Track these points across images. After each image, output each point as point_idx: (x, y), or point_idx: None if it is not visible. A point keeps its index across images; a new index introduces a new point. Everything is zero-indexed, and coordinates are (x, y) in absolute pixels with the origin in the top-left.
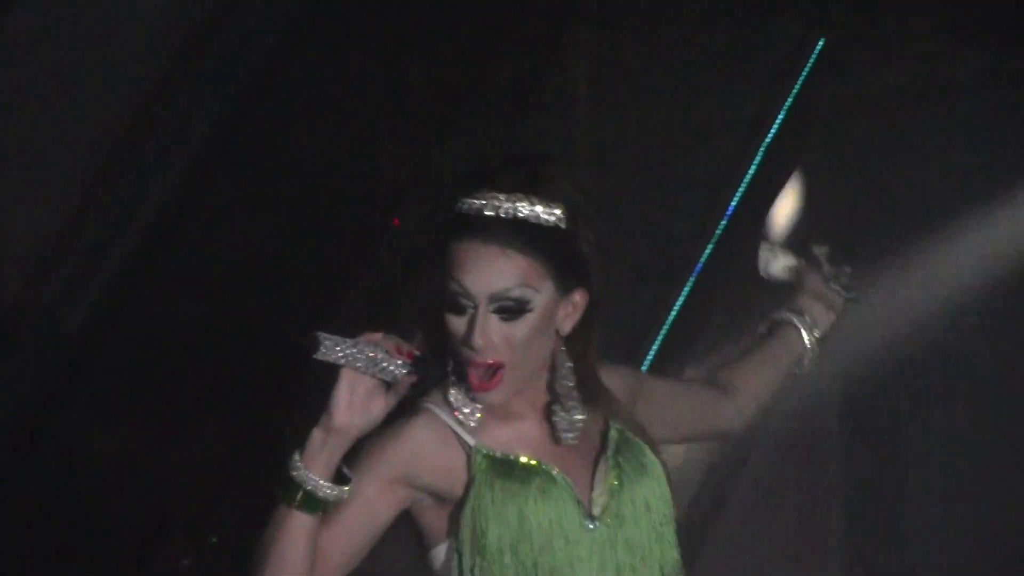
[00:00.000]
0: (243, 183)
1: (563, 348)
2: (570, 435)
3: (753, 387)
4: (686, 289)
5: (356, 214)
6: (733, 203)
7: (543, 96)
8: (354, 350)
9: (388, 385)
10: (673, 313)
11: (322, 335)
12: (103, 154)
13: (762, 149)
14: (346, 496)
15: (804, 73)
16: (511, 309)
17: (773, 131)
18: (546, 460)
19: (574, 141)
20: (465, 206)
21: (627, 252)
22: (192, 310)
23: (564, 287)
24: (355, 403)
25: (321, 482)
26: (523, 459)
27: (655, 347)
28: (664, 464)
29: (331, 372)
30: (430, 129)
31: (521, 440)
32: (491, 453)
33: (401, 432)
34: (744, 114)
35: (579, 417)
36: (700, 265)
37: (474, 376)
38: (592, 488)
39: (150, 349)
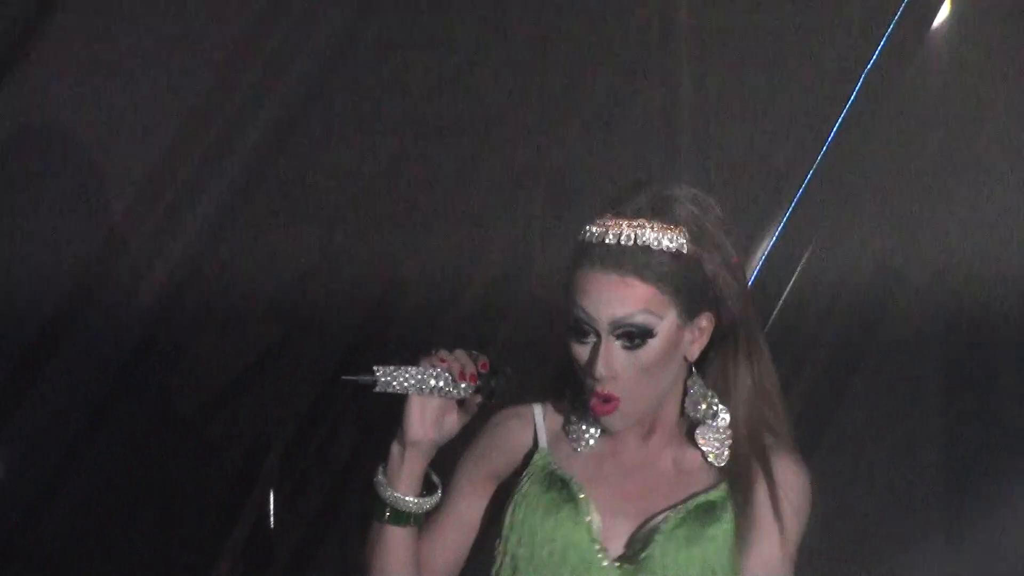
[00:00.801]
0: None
1: (695, 374)
2: (716, 453)
3: None
4: None
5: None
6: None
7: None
8: (414, 380)
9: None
10: None
11: (378, 370)
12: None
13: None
14: (434, 504)
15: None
16: (634, 336)
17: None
18: (601, 484)
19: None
20: (588, 234)
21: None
22: None
23: (689, 312)
24: (427, 419)
25: (405, 498)
26: (566, 475)
27: None
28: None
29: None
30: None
31: (596, 465)
32: (546, 460)
33: (488, 426)
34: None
35: (726, 440)
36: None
37: (592, 402)
38: (639, 530)
39: None
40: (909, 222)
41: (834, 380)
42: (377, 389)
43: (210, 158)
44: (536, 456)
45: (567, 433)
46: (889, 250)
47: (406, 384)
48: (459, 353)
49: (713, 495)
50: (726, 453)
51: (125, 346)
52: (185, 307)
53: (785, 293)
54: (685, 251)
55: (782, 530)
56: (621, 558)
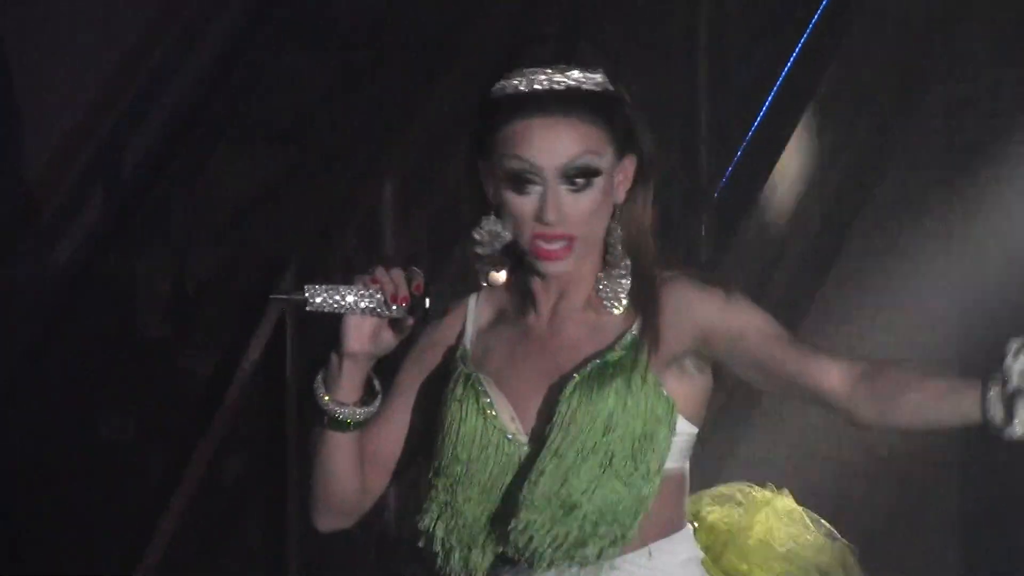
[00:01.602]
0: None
1: (615, 218)
2: (614, 304)
3: (898, 397)
4: None
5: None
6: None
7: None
8: (344, 301)
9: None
10: None
11: (308, 289)
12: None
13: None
14: (371, 413)
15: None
16: (579, 178)
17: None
18: (515, 368)
19: None
20: (508, 87)
21: None
22: None
23: (619, 152)
24: (363, 334)
25: (342, 406)
26: (466, 370)
27: None
28: (671, 404)
29: None
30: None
31: (513, 334)
32: (467, 351)
33: (431, 333)
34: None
35: (626, 286)
36: None
37: (544, 246)
38: (550, 400)
39: None
40: None
41: None
42: (308, 308)
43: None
44: (458, 353)
45: (481, 277)
46: None
47: (335, 306)
48: (395, 273)
49: (609, 355)
50: (619, 303)
51: None
52: None
53: None
54: (611, 88)
55: (778, 334)
56: (533, 437)
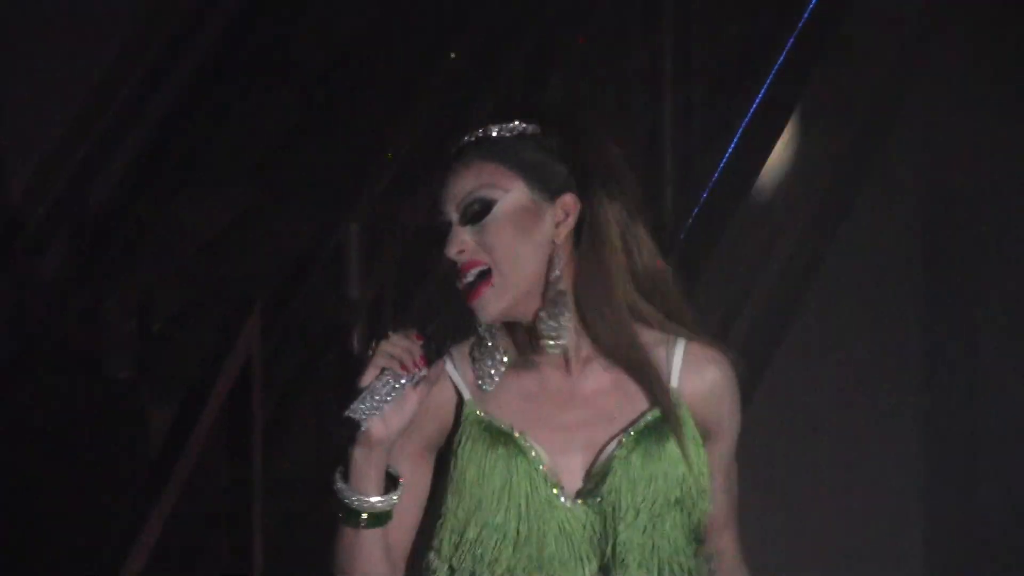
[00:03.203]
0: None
1: (556, 257)
2: (552, 342)
3: None
4: None
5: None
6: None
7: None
8: (377, 397)
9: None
10: None
11: (353, 410)
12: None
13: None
14: (401, 495)
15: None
16: (477, 211)
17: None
18: (540, 425)
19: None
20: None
21: None
22: None
23: (544, 189)
24: (387, 412)
25: (377, 500)
26: (507, 427)
27: None
28: (704, 459)
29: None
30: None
31: (528, 396)
32: (480, 415)
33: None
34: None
35: (565, 322)
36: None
37: (464, 287)
38: (594, 463)
39: None
40: None
41: None
42: (351, 415)
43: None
44: (466, 410)
45: (476, 377)
46: None
47: (372, 404)
48: (396, 342)
49: (656, 411)
50: (555, 344)
51: None
52: None
53: None
54: (528, 132)
55: (713, 435)
56: (580, 494)
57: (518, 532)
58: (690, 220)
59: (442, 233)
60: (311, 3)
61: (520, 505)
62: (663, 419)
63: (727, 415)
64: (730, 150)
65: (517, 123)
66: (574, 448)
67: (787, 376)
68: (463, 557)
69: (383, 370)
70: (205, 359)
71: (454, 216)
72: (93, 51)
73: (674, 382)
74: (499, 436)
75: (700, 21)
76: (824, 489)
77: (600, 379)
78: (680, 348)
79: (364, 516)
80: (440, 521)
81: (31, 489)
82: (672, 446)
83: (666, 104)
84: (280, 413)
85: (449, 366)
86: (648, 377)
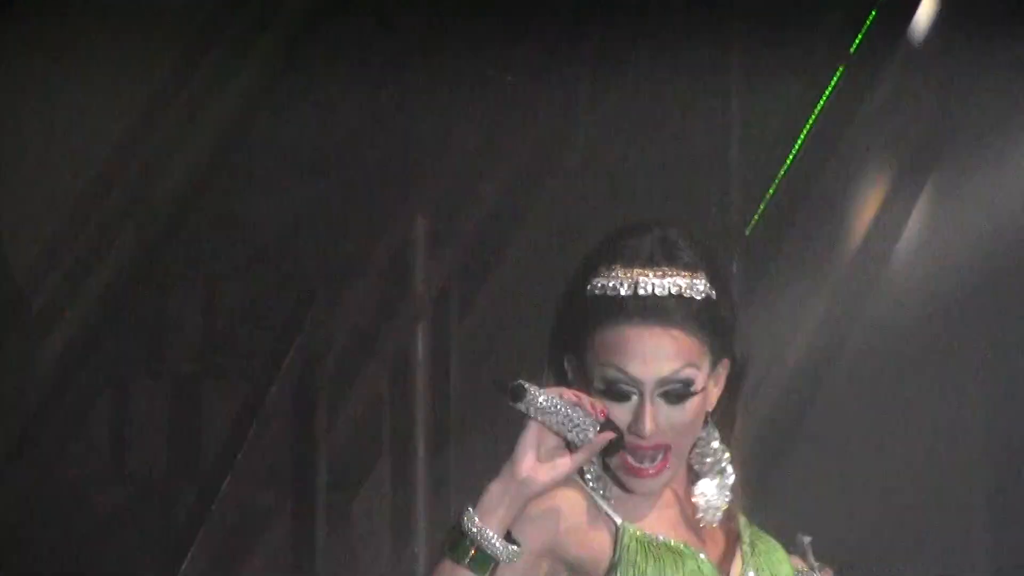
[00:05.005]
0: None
1: (710, 423)
2: (713, 511)
3: None
4: None
5: None
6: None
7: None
8: (551, 404)
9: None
10: None
11: (528, 385)
12: None
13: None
14: (517, 559)
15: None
16: (678, 392)
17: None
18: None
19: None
20: (604, 287)
21: None
22: None
23: (715, 359)
24: (542, 458)
25: (497, 540)
26: (672, 541)
27: None
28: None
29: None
30: None
31: (662, 522)
32: (639, 532)
33: (551, 502)
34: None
35: (730, 482)
36: None
37: (635, 464)
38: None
39: None
40: None
41: None
42: (518, 405)
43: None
44: (624, 537)
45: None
46: None
47: (542, 406)
48: (583, 395)
49: (745, 529)
50: (719, 514)
51: None
52: None
53: None
54: (712, 295)
55: None
56: None
57: None
58: (756, 217)
59: (620, 393)
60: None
61: None
62: (754, 530)
63: None
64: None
65: (699, 283)
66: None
67: (853, 374)
68: None
69: (565, 401)
70: (269, 355)
71: (651, 389)
72: (157, 47)
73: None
74: (665, 550)
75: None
76: (891, 495)
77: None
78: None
79: (472, 552)
80: None
81: (93, 484)
82: (779, 553)
83: (732, 101)
84: (342, 407)
85: (588, 490)
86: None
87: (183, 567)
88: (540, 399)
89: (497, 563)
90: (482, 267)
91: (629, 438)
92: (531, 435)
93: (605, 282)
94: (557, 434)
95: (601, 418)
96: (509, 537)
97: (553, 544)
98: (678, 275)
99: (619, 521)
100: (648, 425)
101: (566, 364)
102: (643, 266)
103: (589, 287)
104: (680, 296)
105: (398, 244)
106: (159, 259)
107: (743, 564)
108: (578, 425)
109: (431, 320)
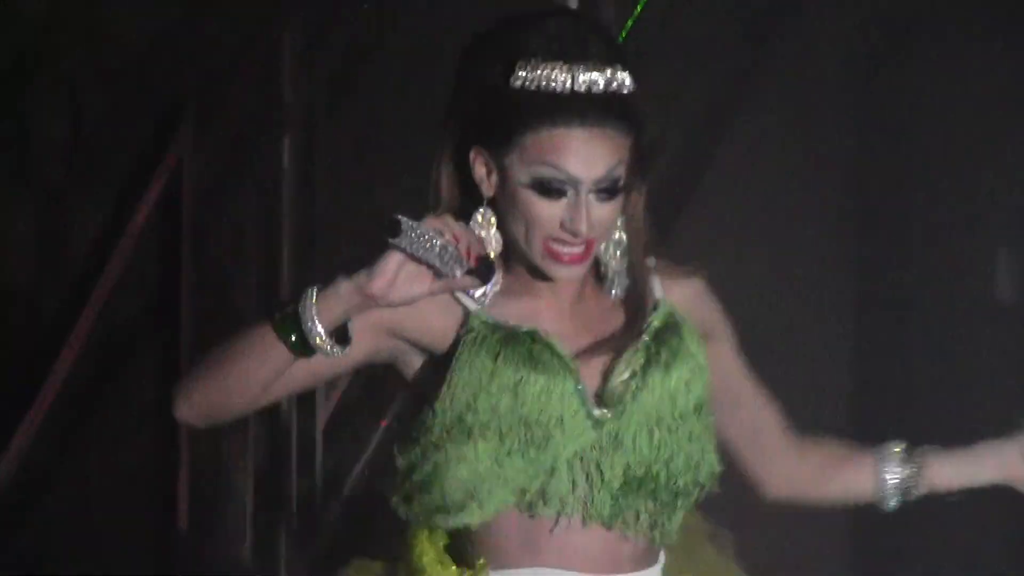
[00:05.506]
0: None
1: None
2: (617, 289)
3: (825, 475)
4: None
5: None
6: None
7: None
8: (423, 236)
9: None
10: None
11: (405, 220)
12: None
13: None
14: (337, 355)
15: None
16: (609, 189)
17: None
18: (556, 336)
19: None
20: (541, 83)
21: None
22: None
23: (635, 152)
24: (398, 280)
25: (323, 336)
26: (523, 327)
27: None
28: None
29: None
30: None
31: (532, 313)
32: (488, 319)
33: None
34: None
35: (622, 263)
36: None
37: (561, 251)
38: (611, 374)
39: None
40: None
41: None
42: (395, 241)
43: None
44: (472, 319)
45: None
46: None
47: (414, 238)
48: (470, 234)
49: (661, 316)
50: (624, 280)
51: None
52: None
53: None
54: (636, 91)
55: (746, 372)
56: (602, 405)
57: (526, 430)
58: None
59: (552, 190)
60: None
61: (548, 408)
62: (665, 324)
63: (719, 314)
64: None
65: (628, 76)
66: (590, 359)
67: None
68: (448, 429)
69: (440, 234)
70: (137, 163)
71: (586, 187)
72: None
73: (658, 294)
74: (520, 337)
75: None
76: None
77: (590, 291)
78: (652, 265)
79: (293, 334)
80: (428, 418)
81: None
82: (688, 343)
83: None
84: (210, 215)
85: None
86: (646, 290)
87: (48, 376)
88: (415, 232)
89: (313, 353)
90: (351, 78)
91: (559, 234)
92: (393, 256)
93: (534, 77)
94: (428, 265)
95: (472, 264)
96: (343, 335)
97: (392, 321)
98: (607, 68)
99: (473, 308)
100: (582, 223)
101: (474, 156)
102: (570, 59)
103: (514, 81)
104: (614, 92)
105: (267, 54)
106: (23, 68)
107: (636, 350)
108: (445, 262)
109: (298, 131)
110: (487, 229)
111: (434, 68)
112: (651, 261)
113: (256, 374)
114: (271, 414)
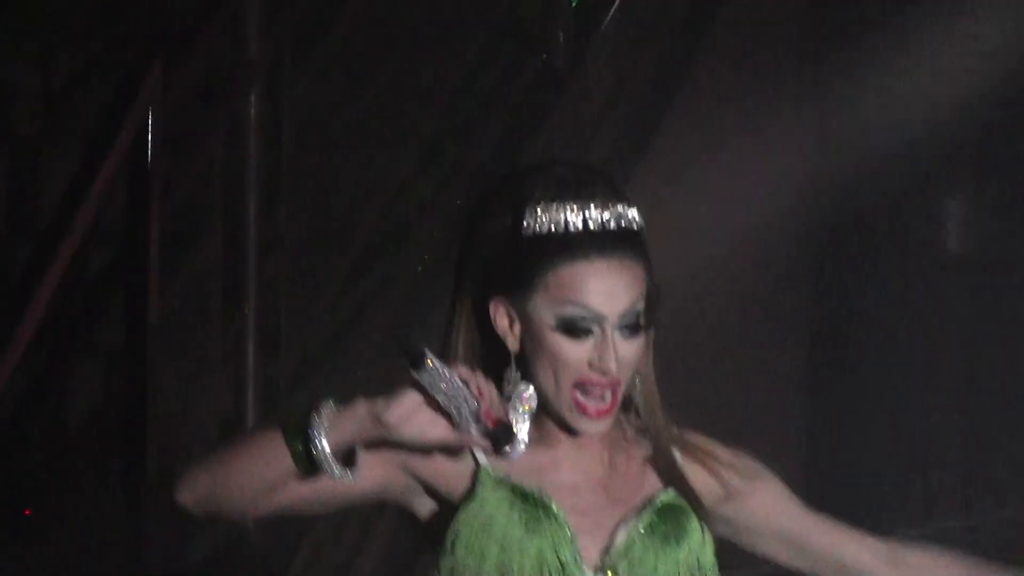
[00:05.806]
0: None
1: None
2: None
3: None
4: None
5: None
6: None
7: None
8: (445, 379)
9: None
10: None
11: (431, 358)
12: None
13: None
14: (345, 480)
15: None
16: (632, 326)
17: None
18: (562, 495)
19: None
20: (553, 225)
21: None
22: None
23: (650, 289)
24: (416, 418)
25: (330, 456)
26: (530, 488)
27: None
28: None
29: None
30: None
31: (550, 464)
32: (497, 475)
33: None
34: None
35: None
36: None
37: (586, 402)
38: (613, 538)
39: None
40: None
41: None
42: (415, 373)
43: None
44: (482, 474)
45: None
46: None
47: (440, 391)
48: (494, 394)
49: (670, 494)
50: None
51: None
52: None
53: None
54: (643, 223)
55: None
56: (598, 570)
57: None
58: None
59: (580, 330)
60: None
61: (539, 568)
62: (672, 503)
63: (749, 468)
64: None
65: (635, 213)
66: (590, 524)
67: None
68: None
69: (466, 386)
70: (106, 114)
71: (611, 323)
72: None
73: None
74: (523, 496)
75: None
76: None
77: (608, 454)
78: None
79: (300, 447)
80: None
81: None
82: (693, 525)
83: None
84: (177, 170)
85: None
86: (667, 460)
87: (19, 325)
88: (440, 382)
89: (316, 473)
90: (318, 29)
91: (588, 375)
92: (413, 394)
93: (548, 218)
94: (442, 410)
95: (491, 425)
96: (351, 459)
97: (408, 459)
98: (617, 205)
99: (484, 462)
100: (611, 361)
101: (495, 309)
102: (578, 199)
103: (527, 225)
104: (626, 228)
105: (234, 5)
106: None
107: (638, 520)
108: (462, 414)
109: (265, 82)
110: (515, 387)
111: (400, 20)
112: (673, 430)
113: (260, 473)
114: (236, 361)
